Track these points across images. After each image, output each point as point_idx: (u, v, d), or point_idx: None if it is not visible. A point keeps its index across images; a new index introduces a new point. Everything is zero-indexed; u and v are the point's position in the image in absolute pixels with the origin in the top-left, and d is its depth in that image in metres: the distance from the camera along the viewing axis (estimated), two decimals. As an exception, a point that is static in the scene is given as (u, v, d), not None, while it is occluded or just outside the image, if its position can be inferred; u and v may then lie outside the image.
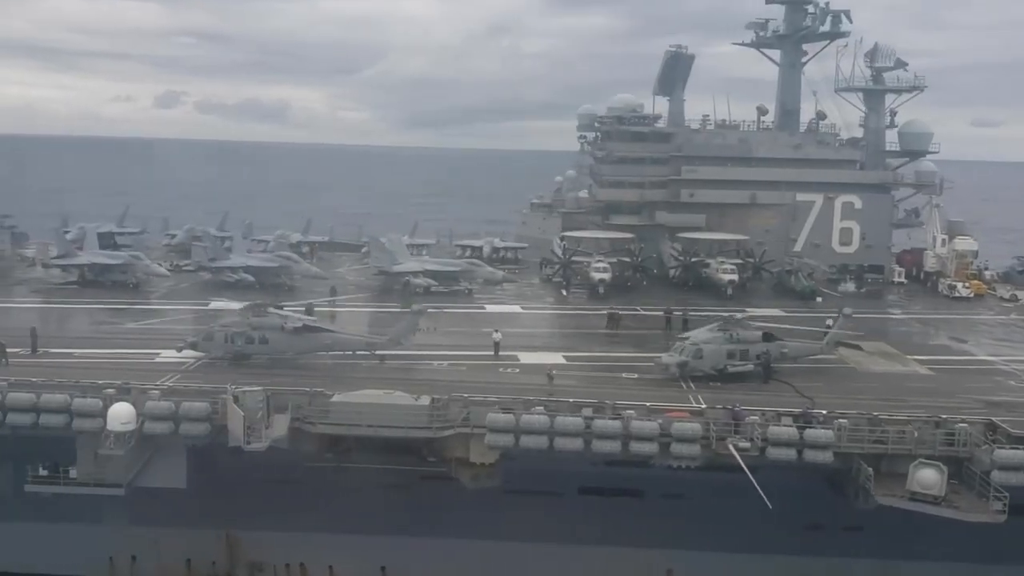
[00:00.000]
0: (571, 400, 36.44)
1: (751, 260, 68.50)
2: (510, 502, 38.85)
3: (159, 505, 38.41)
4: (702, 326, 53.05)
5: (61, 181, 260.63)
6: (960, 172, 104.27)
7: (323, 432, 35.72)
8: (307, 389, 36.86)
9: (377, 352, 42.78)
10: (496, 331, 45.06)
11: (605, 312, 54.15)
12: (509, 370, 42.53)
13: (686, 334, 42.59)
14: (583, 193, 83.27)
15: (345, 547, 41.64)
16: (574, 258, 67.44)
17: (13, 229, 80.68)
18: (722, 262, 66.38)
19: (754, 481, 32.43)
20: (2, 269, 67.88)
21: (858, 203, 76.00)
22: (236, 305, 56.62)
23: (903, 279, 75.04)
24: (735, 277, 64.46)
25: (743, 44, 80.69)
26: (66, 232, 78.94)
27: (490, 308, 58.41)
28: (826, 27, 76.45)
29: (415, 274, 63.51)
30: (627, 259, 67.17)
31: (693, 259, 67.56)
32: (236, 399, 33.81)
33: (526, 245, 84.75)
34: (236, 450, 36.00)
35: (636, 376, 41.74)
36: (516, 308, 59.09)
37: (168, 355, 43.21)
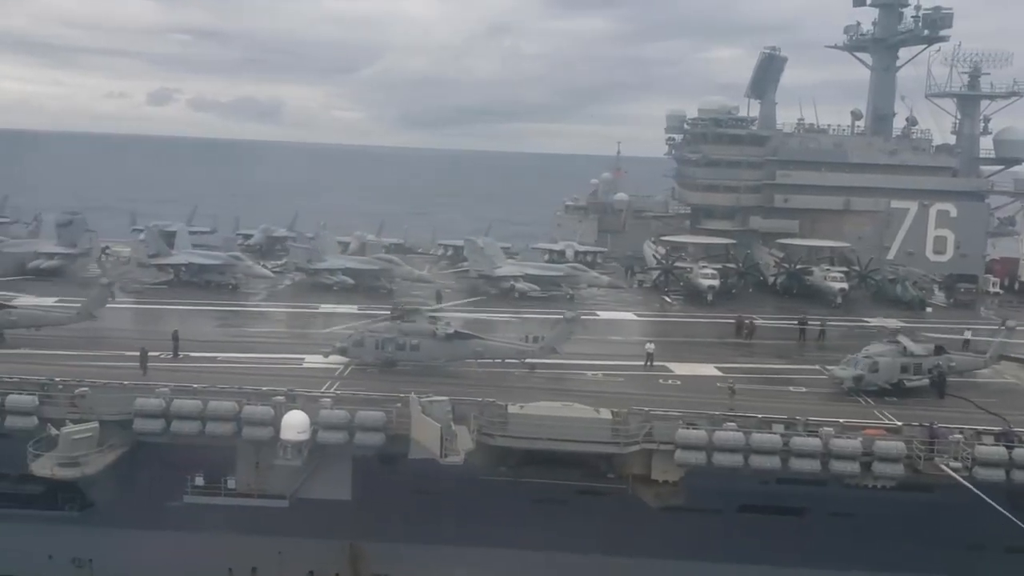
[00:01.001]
0: (759, 416, 34.87)
1: (855, 268, 66.84)
2: (664, 519, 37.39)
3: (284, 515, 36.94)
4: (836, 336, 52.17)
5: (64, 177, 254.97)
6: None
7: (503, 445, 34.21)
8: (479, 399, 35.36)
9: (527, 360, 41.30)
10: (650, 342, 43.37)
11: (732, 320, 52.58)
12: (669, 382, 41.01)
13: (865, 351, 40.63)
14: (666, 197, 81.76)
15: (480, 561, 40.34)
16: (676, 264, 65.73)
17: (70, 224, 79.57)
18: (828, 269, 64.71)
19: (993, 503, 30.82)
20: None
21: (953, 211, 74.06)
22: (344, 309, 55.85)
23: (998, 289, 73.27)
24: (845, 285, 62.78)
25: (836, 47, 79.14)
26: (138, 231, 77.91)
27: (603, 315, 56.79)
28: (924, 30, 74.80)
29: (516, 278, 61.96)
30: (732, 265, 65.44)
31: (798, 266, 65.91)
32: (423, 409, 32.28)
33: (605, 249, 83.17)
34: (390, 459, 34.81)
35: (804, 390, 40.17)
36: (629, 315, 57.49)
37: (314, 360, 41.78)
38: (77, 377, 36.71)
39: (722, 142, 73.07)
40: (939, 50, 76.40)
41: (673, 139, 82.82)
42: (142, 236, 73.84)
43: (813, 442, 32.87)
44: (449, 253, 78.40)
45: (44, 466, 33.62)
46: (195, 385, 36.09)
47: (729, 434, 33.03)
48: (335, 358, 41.40)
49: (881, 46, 77.23)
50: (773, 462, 32.98)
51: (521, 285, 61.24)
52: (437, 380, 39.35)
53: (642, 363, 42.89)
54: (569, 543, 39.39)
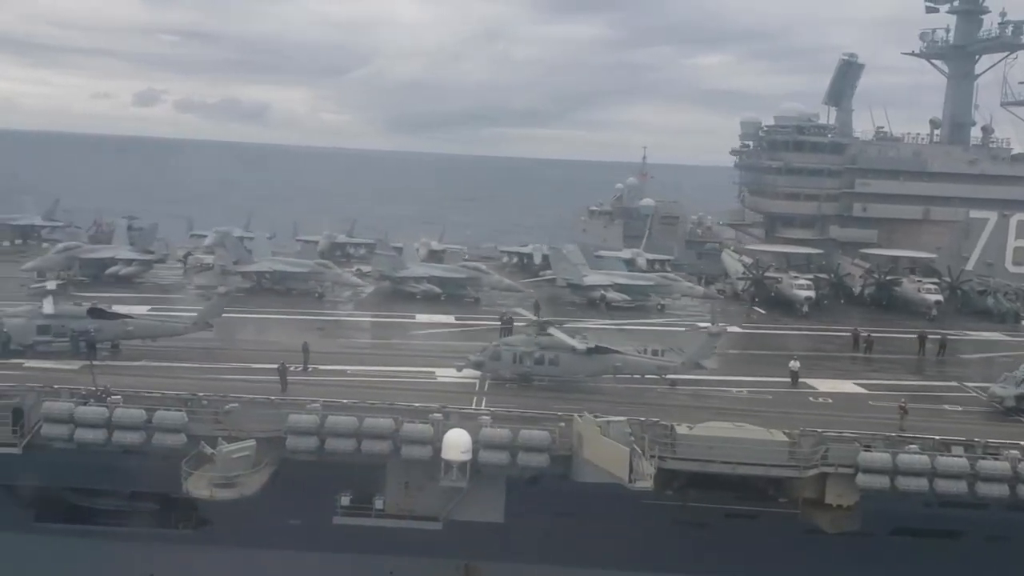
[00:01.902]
0: (936, 437, 33.49)
1: (946, 279, 65.52)
2: (808, 541, 36.07)
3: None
4: (958, 351, 50.86)
5: (63, 179, 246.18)
6: None
7: (674, 468, 32.78)
8: (641, 419, 33.94)
9: (668, 376, 39.93)
10: (794, 359, 41.90)
11: (848, 333, 51.29)
12: (819, 400, 39.64)
13: (1017, 373, 39.28)
14: (735, 205, 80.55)
15: None
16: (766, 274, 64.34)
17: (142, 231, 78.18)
18: (919, 281, 63.39)
19: None
20: (169, 274, 65.06)
21: (1034, 221, 73.34)
22: (442, 319, 54.33)
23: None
24: (940, 297, 61.48)
25: (912, 54, 78.01)
26: (200, 236, 76.47)
27: (704, 327, 55.24)
28: (1008, 37, 73.72)
29: (605, 288, 60.54)
30: (823, 276, 64.08)
31: (887, 277, 64.60)
32: (601, 429, 30.87)
33: (672, 257, 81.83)
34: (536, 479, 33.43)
35: (960, 408, 38.85)
36: (735, 328, 55.97)
37: (446, 374, 40.40)
38: (214, 391, 35.30)
39: (803, 150, 72.02)
40: (1016, 58, 75.51)
41: (748, 146, 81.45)
42: (207, 241, 72.94)
43: (1002, 466, 31.50)
44: (515, 260, 76.88)
45: (200, 486, 32.17)
46: (344, 401, 34.61)
47: (914, 457, 31.64)
48: (468, 372, 39.99)
49: (960, 53, 76.19)
50: (960, 487, 31.62)
51: (612, 295, 59.79)
52: (577, 396, 38.10)
53: (775, 378, 41.56)
54: (715, 566, 37.98)
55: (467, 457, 32.03)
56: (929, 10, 77.91)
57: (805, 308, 59.78)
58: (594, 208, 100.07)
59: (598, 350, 39.11)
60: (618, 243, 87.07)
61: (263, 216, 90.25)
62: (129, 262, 61.17)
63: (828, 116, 76.16)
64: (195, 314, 43.49)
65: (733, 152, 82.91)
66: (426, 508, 34.59)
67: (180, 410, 33.29)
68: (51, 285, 53.52)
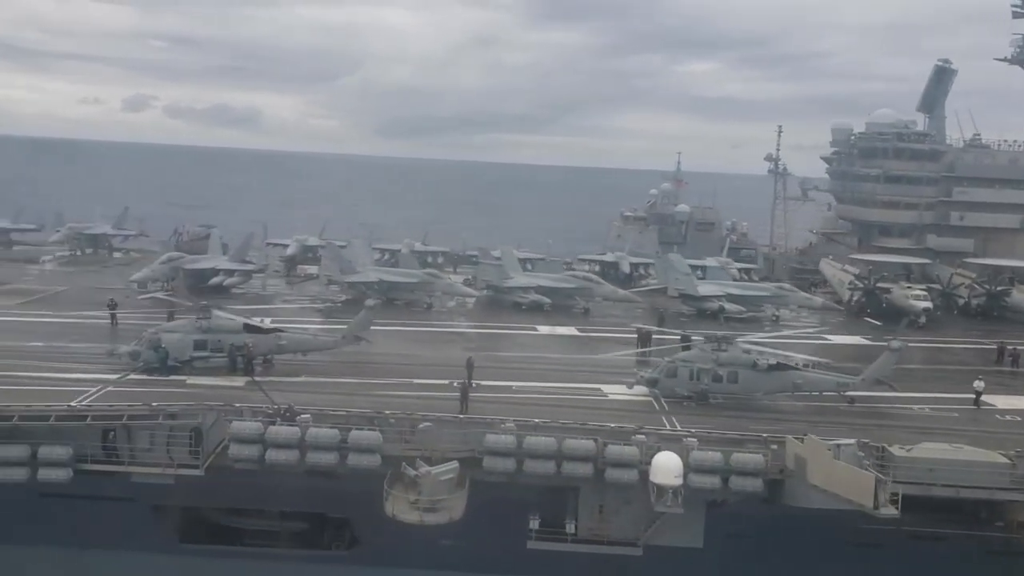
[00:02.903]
0: None
1: (1055, 289, 64.15)
2: (990, 564, 34.84)
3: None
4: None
5: (60, 185, 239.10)
6: None
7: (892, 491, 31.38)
8: (865, 441, 32.43)
9: (846, 393, 38.60)
10: (979, 379, 40.44)
11: (994, 346, 50.02)
12: (1007, 417, 38.31)
13: None
14: (828, 213, 79.24)
15: None
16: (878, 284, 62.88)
17: (222, 238, 76.92)
18: (1032, 291, 62.11)
19: None
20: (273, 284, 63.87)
21: None
22: (564, 331, 52.91)
23: None
24: (1057, 309, 60.22)
25: (1005, 60, 76.69)
26: (280, 246, 75.14)
27: (834, 339, 54.02)
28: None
29: (720, 298, 59.20)
30: (936, 286, 62.73)
31: (998, 287, 63.22)
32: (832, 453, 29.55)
33: (756, 266, 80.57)
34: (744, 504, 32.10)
35: None
36: (858, 339, 54.62)
37: (614, 391, 39.04)
38: (392, 408, 34.05)
39: (903, 157, 70.65)
40: None
41: (839, 152, 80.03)
42: (288, 251, 71.61)
43: None
44: (596, 269, 75.41)
45: (403, 509, 30.87)
46: (537, 420, 33.30)
47: None
48: (639, 389, 38.66)
49: (1056, 58, 74.93)
50: None
51: (730, 306, 58.43)
52: (753, 414, 36.89)
53: (949, 394, 40.50)
54: None
55: (679, 481, 30.74)
56: (1016, 15, 76.62)
57: (922, 319, 58.31)
58: (628, 213, 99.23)
59: (779, 367, 37.80)
60: (652, 248, 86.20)
61: (286, 223, 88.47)
62: (231, 273, 59.98)
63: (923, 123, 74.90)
64: (344, 327, 42.15)
65: (823, 159, 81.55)
66: (620, 532, 33.41)
67: (374, 429, 32.01)
68: (159, 295, 52.83)
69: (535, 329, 53.30)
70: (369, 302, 42.62)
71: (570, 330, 53.56)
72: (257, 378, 38.26)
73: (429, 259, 75.17)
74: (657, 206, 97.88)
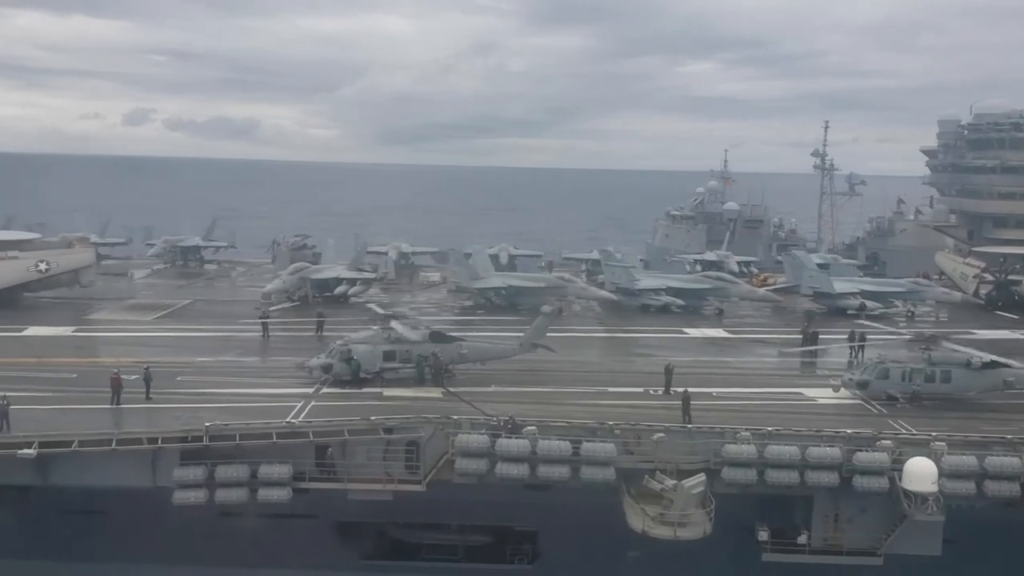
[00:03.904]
0: None
1: None
2: None
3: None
4: None
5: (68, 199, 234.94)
6: None
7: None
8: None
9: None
10: None
11: None
12: None
13: None
14: (939, 206, 77.53)
15: None
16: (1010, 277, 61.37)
17: (313, 249, 76.12)
18: None
19: None
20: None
21: None
22: (714, 332, 51.50)
23: None
24: None
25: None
26: (380, 253, 74.11)
27: (980, 334, 52.34)
28: None
29: (855, 295, 57.77)
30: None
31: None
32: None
33: (857, 261, 78.92)
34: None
35: None
36: (1005, 333, 53.02)
37: (818, 394, 37.79)
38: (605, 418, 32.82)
39: (1020, 147, 68.88)
40: None
41: (948, 144, 78.28)
42: (388, 257, 70.57)
43: None
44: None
45: (649, 524, 29.65)
46: (769, 429, 32.01)
47: None
48: (845, 391, 37.39)
49: None
50: None
51: (869, 303, 57.11)
52: (975, 414, 35.53)
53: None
54: None
55: (936, 488, 29.48)
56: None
57: (1060, 314, 56.81)
58: (675, 212, 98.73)
59: (992, 364, 36.47)
60: (701, 247, 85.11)
61: (329, 231, 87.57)
62: (353, 282, 59.11)
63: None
64: (521, 335, 40.98)
65: (923, 151, 79.86)
66: (856, 542, 32.09)
67: (609, 441, 30.83)
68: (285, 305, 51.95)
69: (683, 332, 51.97)
70: (545, 308, 41.54)
71: (718, 332, 52.32)
72: (451, 389, 37.15)
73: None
74: (704, 204, 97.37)
